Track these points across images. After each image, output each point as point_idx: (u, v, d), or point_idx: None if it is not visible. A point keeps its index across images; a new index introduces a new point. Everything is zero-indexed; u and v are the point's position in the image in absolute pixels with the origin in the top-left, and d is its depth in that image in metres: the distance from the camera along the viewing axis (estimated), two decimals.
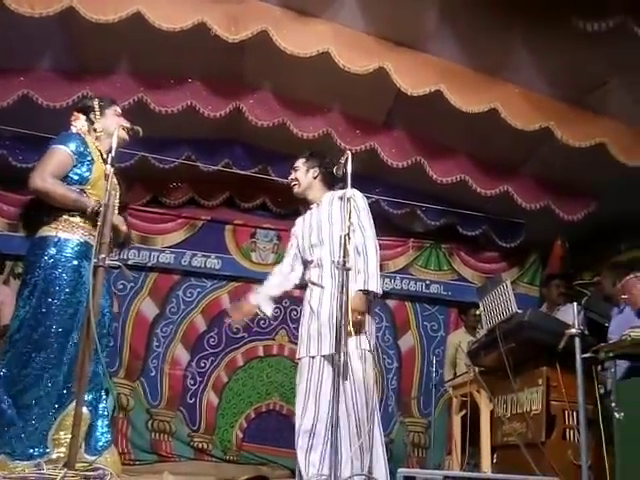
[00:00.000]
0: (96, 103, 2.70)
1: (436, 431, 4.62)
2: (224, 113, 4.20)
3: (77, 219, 2.47)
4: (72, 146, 2.52)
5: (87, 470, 1.84)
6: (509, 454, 3.32)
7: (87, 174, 2.52)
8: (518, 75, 3.80)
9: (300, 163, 3.20)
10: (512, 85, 3.84)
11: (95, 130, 2.67)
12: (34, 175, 2.43)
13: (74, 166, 2.51)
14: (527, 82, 3.82)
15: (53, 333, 2.33)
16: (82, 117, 2.69)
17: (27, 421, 2.23)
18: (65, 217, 2.46)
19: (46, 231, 2.44)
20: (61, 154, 2.49)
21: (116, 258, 2.51)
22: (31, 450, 2.19)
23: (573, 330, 2.70)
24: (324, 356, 2.80)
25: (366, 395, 2.68)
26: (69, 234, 2.44)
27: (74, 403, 2.16)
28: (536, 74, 3.75)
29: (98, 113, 2.68)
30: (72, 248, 2.43)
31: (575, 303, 2.80)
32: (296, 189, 3.21)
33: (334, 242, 2.96)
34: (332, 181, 3.10)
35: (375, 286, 2.79)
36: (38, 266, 2.39)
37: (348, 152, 2.70)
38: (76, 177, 2.51)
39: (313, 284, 3.01)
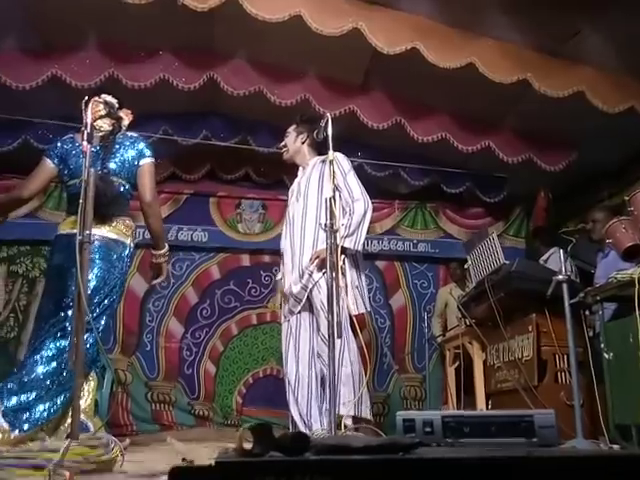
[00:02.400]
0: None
1: (431, 384, 4.72)
2: (198, 85, 4.12)
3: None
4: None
5: (91, 439, 1.86)
6: (503, 400, 3.43)
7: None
8: (493, 29, 3.76)
9: (291, 129, 3.30)
10: (488, 39, 3.81)
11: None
12: (147, 194, 2.64)
13: None
14: (502, 35, 3.79)
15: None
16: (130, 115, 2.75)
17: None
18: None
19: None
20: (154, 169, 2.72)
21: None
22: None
23: (561, 276, 2.76)
24: (294, 296, 3.02)
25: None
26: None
27: None
28: (510, 27, 3.72)
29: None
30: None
31: (562, 250, 2.85)
32: (285, 155, 3.32)
33: (320, 203, 3.01)
34: (321, 146, 3.12)
35: (350, 244, 2.89)
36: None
37: (328, 115, 2.71)
38: None
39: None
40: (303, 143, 3.26)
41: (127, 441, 2.20)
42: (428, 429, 1.34)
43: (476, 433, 1.34)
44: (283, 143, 3.32)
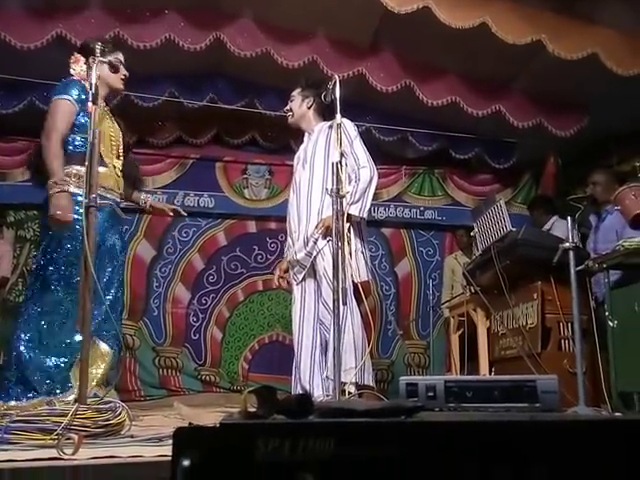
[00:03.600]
0: (98, 48, 2.55)
1: (435, 351, 4.76)
2: (204, 45, 4.05)
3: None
4: (74, 93, 2.51)
5: (99, 404, 1.89)
6: (506, 366, 3.44)
7: (85, 120, 2.48)
8: None
9: (296, 93, 3.24)
10: None
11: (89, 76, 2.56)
12: (42, 131, 2.46)
13: (77, 114, 2.51)
14: None
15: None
16: (82, 60, 2.63)
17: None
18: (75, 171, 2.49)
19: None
20: (63, 105, 2.49)
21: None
22: (58, 392, 2.31)
23: (567, 244, 2.73)
24: (299, 263, 3.04)
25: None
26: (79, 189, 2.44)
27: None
28: None
29: (98, 59, 2.53)
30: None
31: (569, 217, 2.82)
32: (290, 119, 3.27)
33: (326, 169, 2.99)
34: (326, 111, 3.08)
35: (356, 211, 2.88)
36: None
37: (336, 77, 2.65)
38: (79, 126, 2.51)
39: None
40: (309, 108, 3.22)
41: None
42: (431, 394, 1.35)
43: (479, 398, 1.35)
44: (288, 107, 3.27)
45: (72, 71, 2.62)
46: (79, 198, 2.40)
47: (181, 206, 5.24)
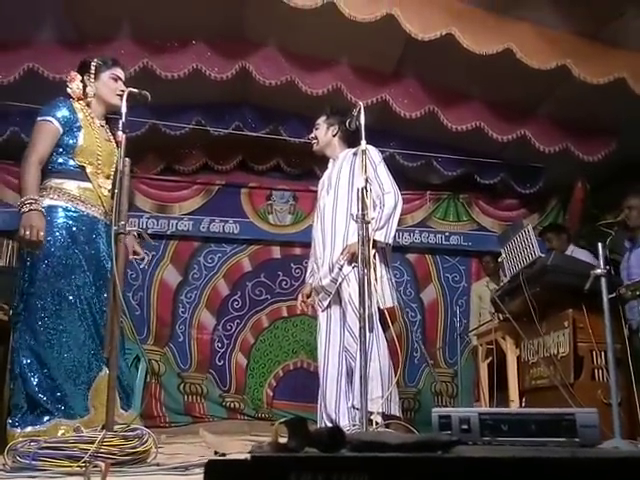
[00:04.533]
0: (93, 64, 2.57)
1: (463, 379, 4.66)
2: (230, 74, 4.12)
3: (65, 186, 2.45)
4: (58, 114, 2.45)
5: (126, 431, 1.88)
6: (537, 397, 3.35)
7: (73, 142, 2.46)
8: (531, 12, 3.65)
9: (321, 121, 3.27)
10: (526, 23, 3.70)
11: (86, 95, 2.57)
12: (24, 153, 2.41)
13: (63, 134, 2.45)
14: (540, 18, 3.68)
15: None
16: (78, 78, 2.58)
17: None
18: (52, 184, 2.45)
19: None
20: (46, 127, 2.44)
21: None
22: (72, 411, 2.26)
23: (599, 270, 2.67)
24: (324, 289, 3.04)
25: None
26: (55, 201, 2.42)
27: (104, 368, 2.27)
28: (550, 9, 3.61)
29: (93, 76, 2.56)
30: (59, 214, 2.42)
31: (600, 243, 2.76)
32: (315, 147, 3.29)
33: (350, 196, 2.99)
34: (351, 138, 3.10)
35: (381, 237, 2.87)
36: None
37: (360, 104, 2.67)
38: (63, 146, 2.46)
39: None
40: (334, 135, 3.24)
41: (163, 436, 2.22)
42: (465, 427, 1.31)
43: (515, 432, 1.30)
44: (313, 135, 3.29)
45: (69, 90, 2.57)
46: (59, 210, 2.39)
47: (206, 232, 5.39)
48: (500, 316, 3.76)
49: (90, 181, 2.50)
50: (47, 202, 2.40)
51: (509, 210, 5.58)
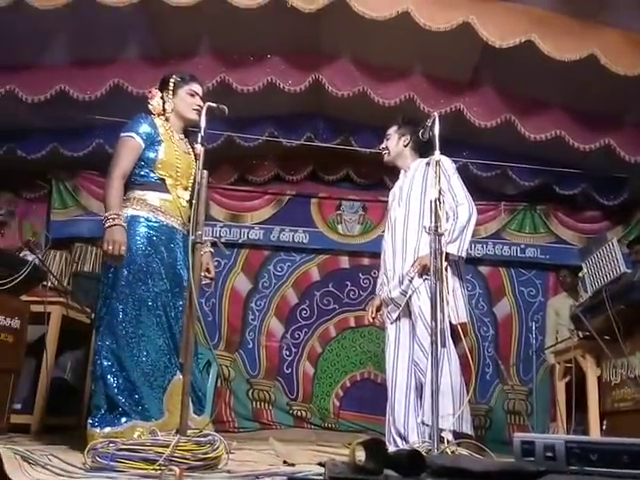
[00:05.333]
0: (172, 81, 2.68)
1: (538, 398, 4.46)
2: (304, 87, 4.17)
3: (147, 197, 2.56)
4: (140, 130, 2.56)
5: (199, 436, 1.91)
6: (621, 420, 3.15)
7: (154, 155, 2.56)
8: (616, 16, 3.48)
9: (392, 131, 3.22)
10: (610, 27, 3.53)
11: (165, 111, 2.68)
12: (109, 168, 2.53)
13: (144, 149, 2.56)
14: (627, 22, 3.50)
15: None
16: (158, 95, 2.70)
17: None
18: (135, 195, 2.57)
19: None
20: (129, 142, 2.55)
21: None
22: (148, 414, 2.35)
23: None
24: (393, 301, 3.01)
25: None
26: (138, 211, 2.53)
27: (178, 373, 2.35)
28: (636, 12, 3.43)
29: (171, 92, 2.67)
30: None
31: None
32: (386, 157, 3.25)
33: (422, 207, 2.94)
34: (422, 149, 3.05)
35: (454, 250, 2.79)
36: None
37: (435, 114, 2.61)
38: (145, 160, 2.57)
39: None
40: (405, 146, 3.18)
41: (234, 443, 2.24)
42: (549, 454, 1.23)
43: (604, 462, 1.21)
44: (384, 145, 3.24)
45: (150, 106, 2.69)
46: (141, 220, 2.50)
47: (276, 241, 5.46)
48: (580, 334, 3.58)
49: (170, 193, 2.61)
50: (130, 212, 2.52)
51: (591, 222, 5.32)
